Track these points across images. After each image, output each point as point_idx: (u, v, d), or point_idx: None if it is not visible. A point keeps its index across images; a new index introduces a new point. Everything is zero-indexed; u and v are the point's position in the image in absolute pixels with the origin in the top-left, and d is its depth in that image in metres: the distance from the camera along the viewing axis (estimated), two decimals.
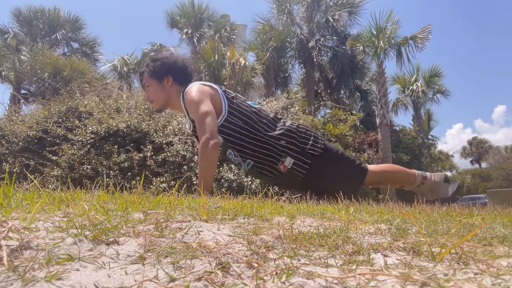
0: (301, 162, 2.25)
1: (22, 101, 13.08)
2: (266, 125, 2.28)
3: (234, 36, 15.38)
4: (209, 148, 2.05)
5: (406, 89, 18.27)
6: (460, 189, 2.51)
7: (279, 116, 2.46)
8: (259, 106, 2.44)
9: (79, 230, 0.77)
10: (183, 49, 15.47)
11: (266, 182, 2.64)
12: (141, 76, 2.48)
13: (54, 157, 6.15)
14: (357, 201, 2.07)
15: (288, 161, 2.23)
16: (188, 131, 2.40)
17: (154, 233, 0.83)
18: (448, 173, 35.84)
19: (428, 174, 2.50)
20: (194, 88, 2.24)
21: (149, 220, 0.96)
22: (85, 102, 7.56)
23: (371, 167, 2.43)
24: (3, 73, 13.90)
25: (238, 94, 2.43)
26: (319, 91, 17.49)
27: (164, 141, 6.40)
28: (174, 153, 6.23)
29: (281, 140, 2.24)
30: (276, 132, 2.26)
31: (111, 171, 5.93)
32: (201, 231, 0.89)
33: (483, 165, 48.24)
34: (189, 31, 14.79)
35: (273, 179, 2.39)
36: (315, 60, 15.33)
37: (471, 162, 50.68)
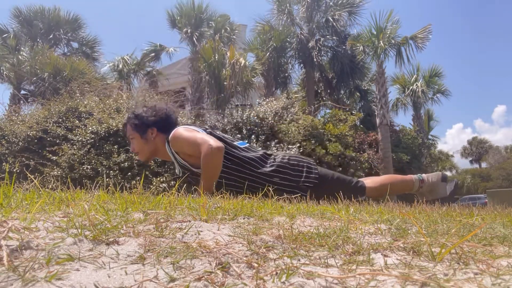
0: (299, 195, 2.23)
1: (22, 101, 13.08)
2: (257, 162, 2.24)
3: (234, 36, 15.37)
4: (213, 154, 2.04)
5: (406, 89, 18.26)
6: (458, 188, 2.49)
7: (269, 152, 2.42)
8: (248, 145, 2.41)
9: (79, 230, 0.77)
10: (183, 49, 15.49)
11: None
12: (124, 128, 2.46)
13: (54, 157, 6.15)
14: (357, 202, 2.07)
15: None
16: (179, 174, 2.36)
17: (154, 233, 0.83)
18: (448, 173, 35.83)
19: (425, 176, 2.50)
20: (179, 129, 2.24)
21: (149, 220, 0.96)
22: (85, 102, 7.55)
23: (368, 183, 2.42)
24: (3, 73, 13.89)
25: (225, 135, 2.40)
26: (319, 91, 17.49)
27: None
28: None
29: (273, 177, 2.20)
30: (268, 169, 2.22)
31: (111, 171, 5.93)
32: (201, 231, 0.89)
33: (483, 165, 48.23)
34: (189, 31, 14.79)
35: None
36: (315, 60, 15.33)
37: (471, 162, 50.70)
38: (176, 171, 2.43)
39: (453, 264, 0.72)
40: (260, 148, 2.57)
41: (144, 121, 2.34)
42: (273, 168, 2.24)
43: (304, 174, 2.26)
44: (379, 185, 2.46)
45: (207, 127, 2.37)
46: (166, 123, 2.38)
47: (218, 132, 2.34)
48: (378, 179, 2.60)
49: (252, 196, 2.09)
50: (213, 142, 2.10)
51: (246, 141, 2.44)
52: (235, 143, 2.34)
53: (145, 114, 2.38)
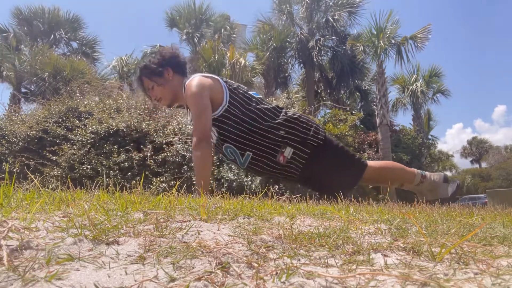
0: (301, 152, 2.21)
1: (22, 100, 13.08)
2: (267, 115, 2.24)
3: (234, 36, 15.38)
4: (200, 149, 2.06)
5: (406, 89, 18.28)
6: (460, 189, 2.47)
7: (281, 106, 2.41)
8: (261, 96, 2.41)
9: (79, 230, 0.77)
10: (183, 49, 15.49)
11: (261, 176, 2.61)
12: (140, 83, 2.42)
13: (54, 157, 6.15)
14: (352, 198, 2.07)
15: (288, 151, 2.19)
16: (189, 124, 2.40)
17: (154, 233, 0.83)
18: (448, 173, 35.83)
19: (427, 173, 2.49)
20: (194, 81, 2.21)
21: (149, 220, 0.96)
22: (85, 102, 7.56)
23: (370, 163, 2.41)
24: (3, 73, 13.89)
25: (240, 85, 2.40)
26: (319, 91, 17.49)
27: (164, 141, 6.40)
28: (174, 153, 6.23)
29: (280, 130, 2.20)
30: (277, 121, 2.22)
31: (111, 171, 5.93)
32: (201, 231, 0.89)
33: (483, 165, 48.25)
34: (189, 31, 14.79)
35: (270, 174, 2.35)
36: (315, 60, 15.33)
37: (471, 162, 50.71)
38: (188, 118, 2.43)
39: (453, 264, 0.72)
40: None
41: (156, 64, 2.33)
42: (282, 120, 2.23)
43: (312, 132, 2.25)
44: (380, 166, 2.45)
45: (229, 83, 2.32)
46: (177, 62, 2.38)
47: (240, 90, 2.31)
48: (381, 162, 2.60)
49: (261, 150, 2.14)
50: (203, 131, 2.09)
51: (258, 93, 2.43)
52: (250, 92, 2.36)
53: (154, 59, 2.37)
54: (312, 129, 2.28)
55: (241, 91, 2.30)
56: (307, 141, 2.23)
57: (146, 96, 2.52)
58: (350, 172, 2.36)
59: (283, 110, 2.35)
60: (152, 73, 2.34)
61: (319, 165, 2.25)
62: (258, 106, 2.26)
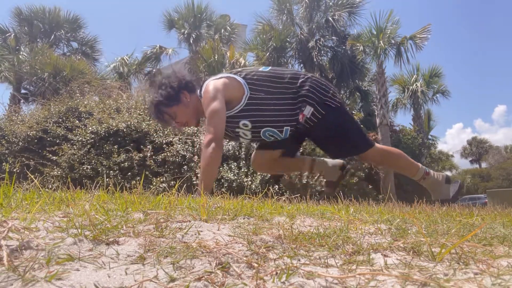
0: (317, 113, 2.24)
1: (22, 100, 13.08)
2: (289, 83, 2.28)
3: (234, 36, 15.38)
4: (210, 149, 2.07)
5: (406, 89, 18.27)
6: (461, 189, 2.48)
7: (300, 72, 2.45)
8: (270, 68, 2.44)
9: (79, 230, 0.77)
10: (183, 49, 15.49)
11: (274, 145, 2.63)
12: (161, 117, 2.42)
13: (54, 157, 6.15)
14: (352, 198, 2.08)
15: (308, 110, 2.23)
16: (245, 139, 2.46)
17: (154, 233, 0.83)
18: (448, 173, 35.82)
19: (431, 171, 2.51)
20: (209, 87, 2.25)
21: (149, 220, 0.96)
22: (85, 102, 7.56)
23: (377, 145, 2.46)
24: (3, 73, 13.89)
25: (254, 69, 2.43)
26: None
27: (164, 141, 6.40)
28: (174, 153, 6.23)
29: (302, 88, 2.25)
30: (300, 82, 2.28)
31: (111, 171, 5.93)
32: (201, 231, 0.89)
33: (483, 165, 48.25)
34: (189, 32, 14.79)
35: (288, 139, 2.38)
36: (315, 60, 15.32)
37: (471, 162, 50.70)
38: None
39: (453, 264, 0.72)
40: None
41: (170, 93, 2.34)
42: (303, 79, 2.29)
43: (330, 94, 2.31)
44: (386, 150, 2.50)
45: (242, 72, 2.35)
46: (186, 83, 2.40)
47: (256, 74, 2.33)
48: (388, 147, 2.64)
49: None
50: (215, 133, 2.12)
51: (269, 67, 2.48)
52: (260, 69, 2.39)
53: (166, 89, 2.36)
54: (331, 91, 2.33)
55: (254, 74, 2.32)
56: (324, 101, 2.26)
57: (171, 126, 2.54)
58: (356, 142, 2.40)
59: (303, 72, 2.41)
60: (170, 103, 2.34)
61: (329, 126, 2.29)
62: (275, 80, 2.29)
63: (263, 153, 2.53)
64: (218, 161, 2.17)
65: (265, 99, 2.22)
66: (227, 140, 2.40)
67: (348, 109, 2.55)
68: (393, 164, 2.55)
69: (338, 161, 2.57)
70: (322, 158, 2.65)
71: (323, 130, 2.28)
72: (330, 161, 2.58)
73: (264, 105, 2.21)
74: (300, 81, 2.28)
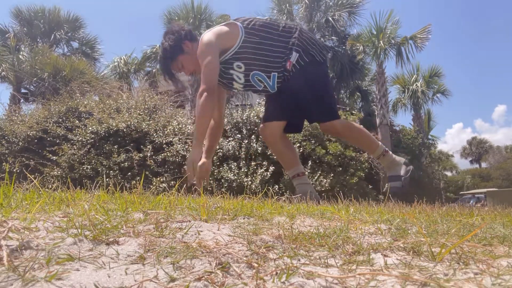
0: (301, 60, 2.32)
1: (22, 100, 13.08)
2: (282, 31, 2.37)
3: None
4: (202, 98, 2.21)
5: (406, 89, 18.27)
6: (413, 173, 2.53)
7: (295, 24, 2.53)
8: (268, 17, 2.54)
9: (79, 230, 0.77)
10: None
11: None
12: (168, 69, 2.52)
13: (54, 157, 6.15)
14: (352, 198, 2.07)
15: (294, 56, 2.31)
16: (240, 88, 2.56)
17: (154, 233, 0.83)
18: (448, 173, 35.81)
19: (390, 152, 2.58)
20: (203, 40, 2.36)
21: (149, 220, 0.96)
22: (85, 102, 7.55)
23: (343, 118, 2.51)
24: (3, 73, 13.89)
25: (258, 18, 2.50)
26: None
27: (164, 141, 6.40)
28: (174, 153, 6.23)
29: (293, 37, 2.34)
30: (293, 31, 2.37)
31: (111, 171, 5.93)
32: (201, 231, 0.89)
33: (483, 165, 48.23)
34: None
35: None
36: None
37: (471, 162, 50.68)
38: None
39: (453, 264, 0.72)
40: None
41: (174, 44, 2.45)
42: (297, 30, 2.39)
43: (317, 47, 2.39)
44: (350, 124, 2.56)
45: (245, 19, 2.44)
46: (187, 33, 2.51)
47: (257, 22, 2.42)
48: (353, 123, 2.66)
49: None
50: (208, 83, 2.23)
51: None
52: (260, 19, 2.47)
53: (169, 41, 2.47)
54: (318, 46, 2.41)
55: (254, 21, 2.41)
56: (310, 51, 2.35)
57: (180, 83, 2.69)
58: (328, 107, 2.43)
59: (297, 25, 2.50)
60: (175, 53, 2.45)
61: (310, 78, 2.35)
62: (273, 27, 2.39)
63: (268, 123, 2.56)
64: (210, 107, 2.27)
65: (259, 44, 2.34)
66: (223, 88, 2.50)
67: (329, 76, 2.61)
68: (354, 138, 2.61)
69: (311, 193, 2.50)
70: (305, 184, 2.58)
71: (302, 81, 2.33)
72: (306, 190, 2.48)
73: (257, 49, 2.33)
74: (293, 31, 2.37)
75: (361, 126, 2.64)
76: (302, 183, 2.54)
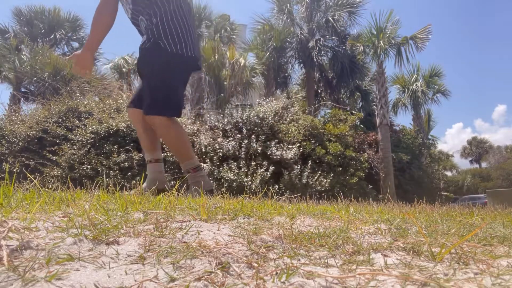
0: (149, 42, 2.22)
1: (22, 100, 13.08)
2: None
3: (234, 36, 15.38)
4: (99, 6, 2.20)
5: (406, 89, 18.28)
6: (210, 192, 2.26)
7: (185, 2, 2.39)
8: None
9: (79, 230, 0.77)
10: None
11: None
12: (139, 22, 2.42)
13: (54, 157, 6.15)
14: (352, 198, 2.06)
15: (143, 24, 2.27)
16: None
17: (154, 233, 0.83)
18: (448, 173, 35.83)
19: (204, 173, 2.38)
20: None
21: (149, 220, 0.96)
22: (85, 102, 7.56)
23: (175, 122, 2.31)
24: (3, 73, 13.90)
25: None
26: (319, 91, 17.48)
27: None
28: None
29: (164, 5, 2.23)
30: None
31: (111, 171, 5.93)
32: (201, 231, 0.89)
33: (483, 165, 48.23)
34: None
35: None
36: (315, 60, 15.32)
37: (471, 162, 50.69)
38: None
39: (453, 264, 0.72)
40: None
41: None
42: (175, 5, 2.28)
43: (172, 36, 2.24)
44: (173, 127, 2.30)
45: None
46: None
47: None
48: (179, 128, 2.40)
49: None
50: None
51: None
52: None
53: None
54: (185, 36, 2.25)
55: None
56: (159, 39, 2.21)
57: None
58: (154, 100, 2.25)
59: (183, 5, 2.34)
60: None
61: (149, 61, 2.24)
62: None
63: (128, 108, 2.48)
64: (107, 7, 2.21)
65: None
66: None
67: (183, 70, 2.35)
68: (169, 142, 2.40)
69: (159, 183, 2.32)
70: (159, 172, 2.42)
71: (145, 63, 2.27)
72: (156, 178, 2.36)
73: None
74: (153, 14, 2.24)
75: (185, 134, 2.40)
76: (156, 171, 2.39)
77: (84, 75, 2.32)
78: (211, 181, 2.37)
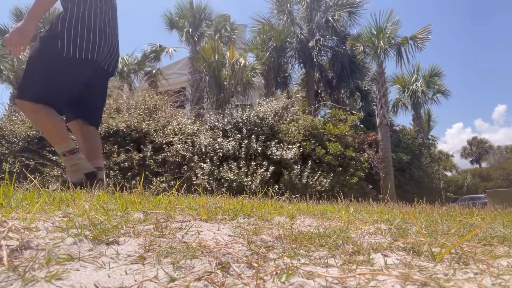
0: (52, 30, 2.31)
1: None
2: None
3: (234, 36, 15.38)
4: None
5: (406, 89, 18.28)
6: (97, 185, 2.14)
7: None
8: None
9: (79, 230, 0.77)
10: (183, 49, 15.49)
11: None
12: None
13: (54, 157, 6.15)
14: (352, 198, 2.05)
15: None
16: None
17: (154, 233, 0.83)
18: (448, 173, 35.82)
19: (81, 156, 2.29)
20: None
21: (149, 220, 0.96)
22: None
23: (41, 107, 2.20)
24: (3, 73, 13.90)
25: None
26: (319, 91, 17.48)
27: (164, 141, 6.40)
28: (174, 153, 6.23)
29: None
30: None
31: (111, 171, 5.93)
32: (201, 231, 0.89)
33: (483, 165, 48.22)
34: (189, 31, 14.79)
35: None
36: (315, 60, 15.32)
37: (471, 162, 50.67)
38: None
39: (453, 264, 0.72)
40: None
41: None
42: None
43: (68, 31, 2.29)
44: (42, 112, 2.20)
45: None
46: None
47: None
48: (50, 113, 2.25)
49: None
50: None
51: None
52: None
53: None
54: (67, 36, 2.27)
55: None
56: (53, 34, 2.28)
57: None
58: (24, 82, 2.24)
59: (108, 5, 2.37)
60: None
61: (33, 50, 2.31)
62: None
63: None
64: None
65: None
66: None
67: (62, 61, 2.29)
68: (39, 126, 2.34)
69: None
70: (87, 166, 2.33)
71: (33, 48, 2.34)
72: (83, 165, 2.29)
73: None
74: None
75: (56, 118, 2.27)
76: (78, 163, 2.30)
77: (18, 53, 2.30)
78: (91, 165, 2.30)
